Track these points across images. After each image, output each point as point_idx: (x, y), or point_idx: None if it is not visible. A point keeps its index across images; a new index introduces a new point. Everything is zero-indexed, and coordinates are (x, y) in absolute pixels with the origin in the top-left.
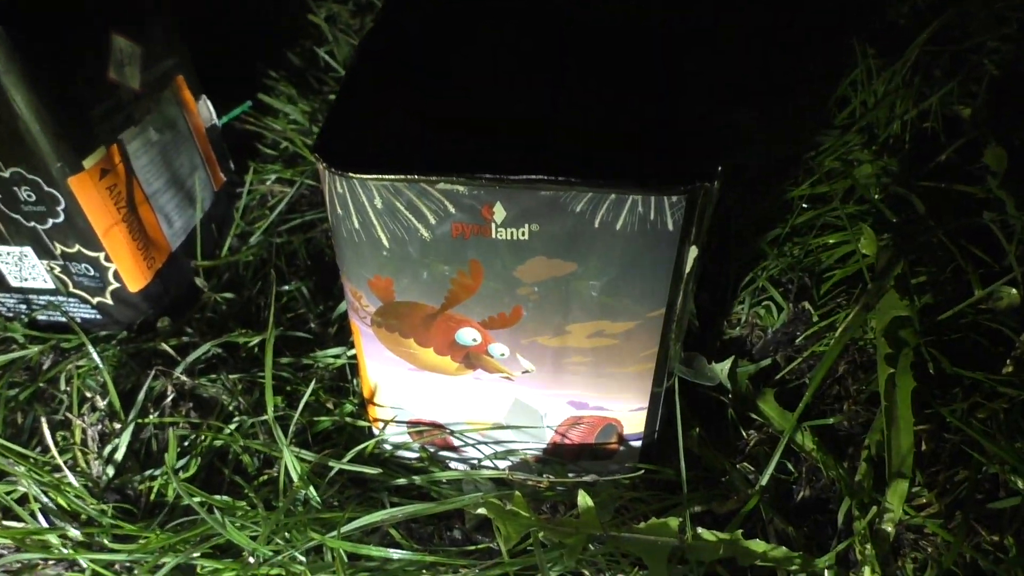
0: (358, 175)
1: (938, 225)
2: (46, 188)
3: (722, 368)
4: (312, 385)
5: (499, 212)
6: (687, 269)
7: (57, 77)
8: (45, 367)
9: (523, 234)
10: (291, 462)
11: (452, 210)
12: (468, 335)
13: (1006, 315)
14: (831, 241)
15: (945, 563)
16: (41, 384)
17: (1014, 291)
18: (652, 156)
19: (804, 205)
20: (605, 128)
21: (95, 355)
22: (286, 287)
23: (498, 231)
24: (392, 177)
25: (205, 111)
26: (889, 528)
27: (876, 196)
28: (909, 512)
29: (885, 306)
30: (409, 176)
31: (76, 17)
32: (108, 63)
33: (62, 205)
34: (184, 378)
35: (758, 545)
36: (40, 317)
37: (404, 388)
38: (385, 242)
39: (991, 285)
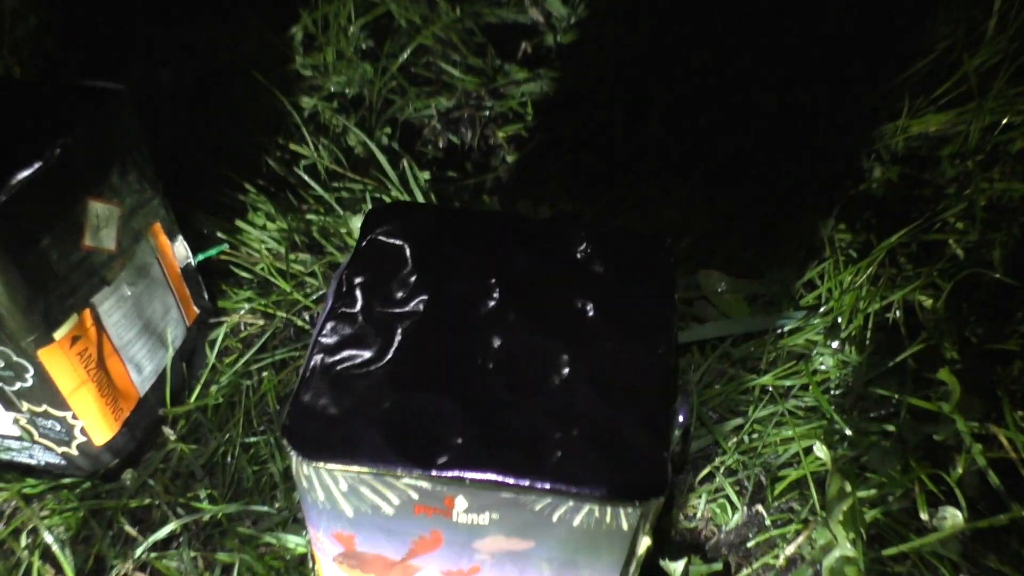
0: (324, 464)
1: (891, 445)
2: (15, 358)
3: (675, 568)
4: None
5: (460, 502)
6: (638, 553)
7: (31, 258)
8: (7, 514)
9: (483, 520)
10: None
11: (415, 497)
12: None
13: (949, 545)
14: (788, 435)
15: None
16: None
17: (959, 514)
18: (610, 465)
19: (766, 391)
20: (569, 430)
21: (47, 536)
22: (253, 438)
23: (459, 516)
24: (357, 469)
25: (181, 251)
26: None
27: (835, 390)
28: None
29: (833, 544)
30: (374, 470)
31: (53, 194)
32: (84, 231)
33: (31, 372)
34: (144, 558)
35: None
36: (2, 456)
37: None
38: (349, 513)
39: (937, 507)
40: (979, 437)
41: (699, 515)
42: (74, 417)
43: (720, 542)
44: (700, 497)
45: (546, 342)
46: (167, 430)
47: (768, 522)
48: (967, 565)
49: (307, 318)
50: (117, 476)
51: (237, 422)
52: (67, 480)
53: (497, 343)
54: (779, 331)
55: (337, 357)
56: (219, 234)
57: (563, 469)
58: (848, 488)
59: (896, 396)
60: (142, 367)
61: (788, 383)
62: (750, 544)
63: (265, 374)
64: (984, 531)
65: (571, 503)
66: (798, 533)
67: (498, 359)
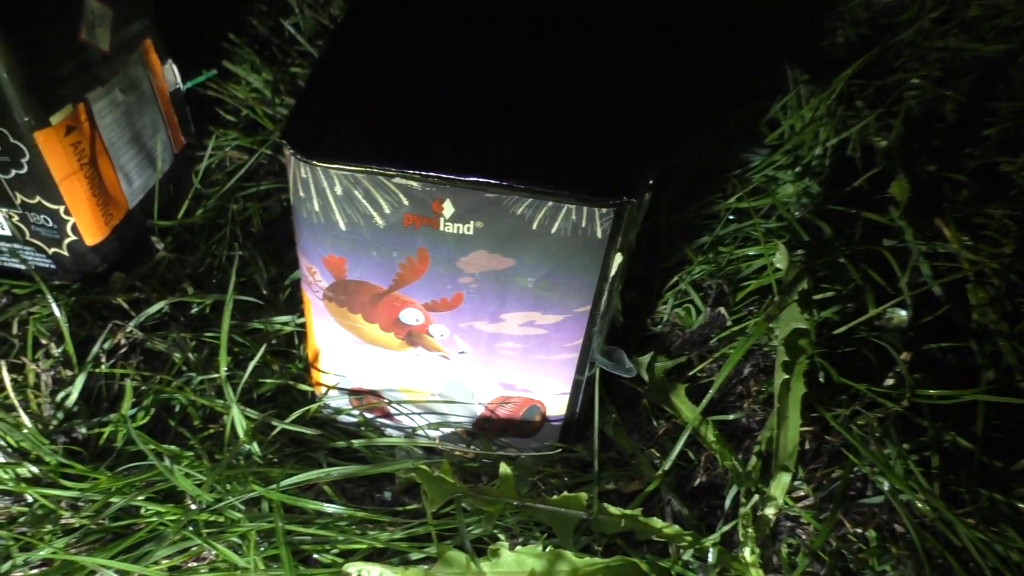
0: (321, 163)
1: (844, 247)
2: (12, 140)
3: (642, 361)
4: (262, 349)
5: (448, 208)
6: (612, 273)
7: (31, 36)
8: None
9: (468, 229)
10: (238, 418)
11: (405, 202)
12: (412, 315)
13: (893, 334)
14: (750, 253)
15: (814, 546)
16: None
17: (903, 312)
18: (589, 170)
19: (730, 217)
20: (552, 138)
21: (53, 304)
22: (239, 252)
23: (446, 225)
24: (352, 168)
25: (170, 75)
26: (770, 515)
27: (796, 214)
28: (788, 503)
29: (787, 318)
30: (368, 168)
31: None
32: (80, 24)
33: (27, 157)
34: (136, 332)
35: (655, 522)
36: None
37: (348, 358)
38: (342, 225)
39: (883, 305)
40: (925, 254)
41: (666, 319)
42: (66, 212)
43: (685, 341)
44: (667, 303)
45: (543, 60)
46: (155, 239)
47: (729, 322)
48: (908, 350)
49: None
50: (105, 281)
51: (223, 237)
52: (57, 282)
53: (494, 63)
54: (745, 166)
55: (339, 67)
56: (203, 70)
57: (545, 172)
58: (803, 274)
59: (852, 211)
60: (131, 179)
61: (753, 205)
62: (712, 341)
63: (250, 203)
64: (925, 327)
65: (550, 204)
66: (755, 321)
67: (494, 75)
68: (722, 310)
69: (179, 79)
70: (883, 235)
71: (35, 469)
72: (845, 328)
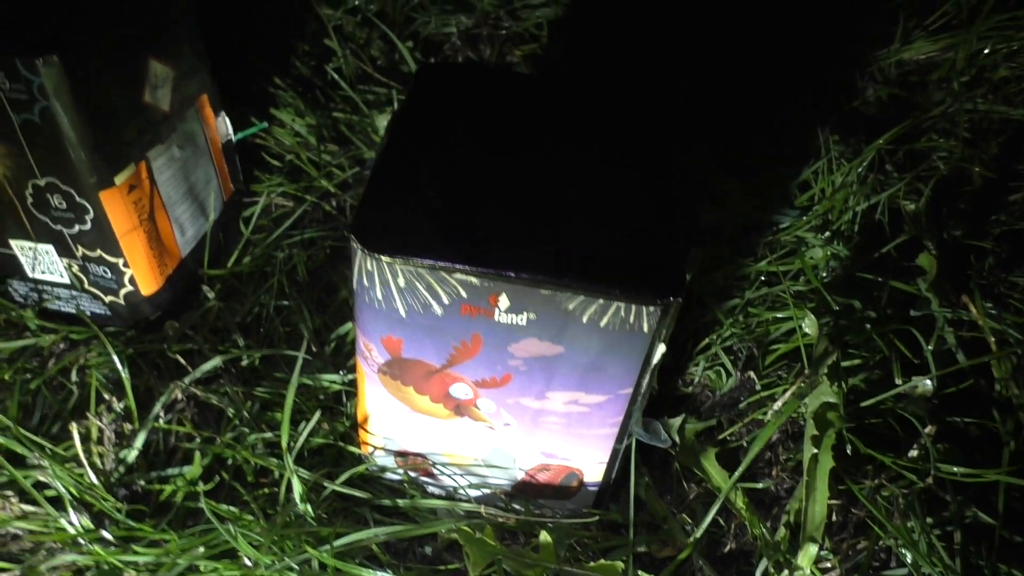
0: (387, 258)
1: (871, 315)
2: (78, 199)
3: (673, 424)
4: (316, 415)
5: (504, 301)
6: (655, 361)
7: (100, 101)
8: (56, 356)
9: (521, 320)
10: (295, 483)
11: (464, 294)
12: (461, 390)
13: (918, 403)
14: (779, 316)
15: None
16: (51, 373)
17: (928, 383)
18: (636, 271)
19: (761, 278)
20: (602, 241)
21: (116, 359)
22: (285, 303)
23: (500, 315)
24: (417, 263)
25: (223, 127)
26: None
27: (824, 277)
28: (815, 573)
29: (817, 392)
30: (431, 264)
31: (120, 45)
32: (144, 87)
33: (91, 215)
34: (193, 389)
35: None
36: (49, 306)
37: (397, 423)
38: (402, 312)
39: (911, 381)
40: (951, 322)
41: (696, 381)
42: (125, 265)
43: (715, 403)
44: (698, 365)
45: (580, 174)
46: (205, 288)
47: (759, 386)
48: (932, 422)
49: (335, 204)
50: (158, 328)
51: (270, 287)
52: (111, 328)
53: (540, 172)
54: (775, 228)
55: (400, 170)
56: (254, 120)
57: (597, 272)
58: (832, 348)
59: (879, 279)
60: (185, 229)
61: (782, 269)
62: (742, 405)
63: (295, 250)
64: (950, 397)
65: (600, 302)
66: (785, 391)
67: (548, 177)
68: (751, 374)
69: (231, 131)
70: (910, 302)
71: (108, 535)
72: (873, 401)
